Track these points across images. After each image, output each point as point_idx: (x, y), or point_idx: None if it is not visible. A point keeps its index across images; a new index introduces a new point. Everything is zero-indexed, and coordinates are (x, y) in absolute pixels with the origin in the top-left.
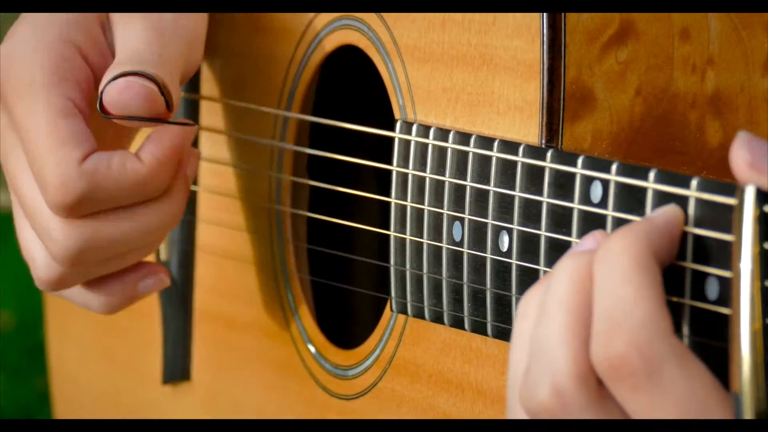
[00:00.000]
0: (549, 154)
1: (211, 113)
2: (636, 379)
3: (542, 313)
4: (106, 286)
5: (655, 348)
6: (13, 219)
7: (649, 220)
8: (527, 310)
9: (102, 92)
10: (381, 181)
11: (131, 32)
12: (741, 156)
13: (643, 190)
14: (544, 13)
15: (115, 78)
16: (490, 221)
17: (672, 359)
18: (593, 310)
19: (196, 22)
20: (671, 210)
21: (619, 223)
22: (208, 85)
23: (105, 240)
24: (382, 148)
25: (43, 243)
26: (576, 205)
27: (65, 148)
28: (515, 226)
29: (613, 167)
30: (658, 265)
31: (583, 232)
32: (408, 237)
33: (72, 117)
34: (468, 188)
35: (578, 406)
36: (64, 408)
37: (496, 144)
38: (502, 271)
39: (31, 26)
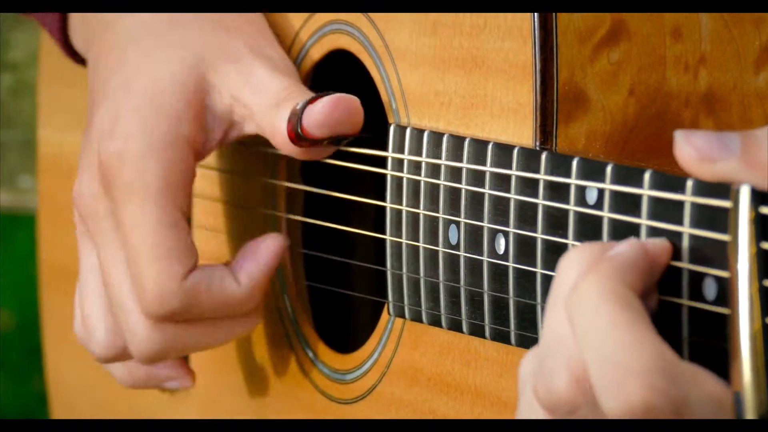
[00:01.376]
0: (543, 157)
1: None
2: (665, 417)
3: (550, 307)
4: (136, 371)
5: (673, 381)
6: (79, 283)
7: (616, 257)
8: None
9: (300, 118)
10: (376, 186)
11: (257, 80)
12: (687, 154)
13: (638, 193)
14: (535, 15)
15: (308, 102)
16: (486, 224)
17: (690, 385)
18: (588, 365)
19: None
20: (632, 242)
21: (614, 225)
22: None
23: (184, 346)
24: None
25: (124, 336)
26: (572, 207)
27: (169, 261)
28: (511, 229)
29: (608, 169)
30: (635, 295)
31: (579, 234)
32: (404, 241)
33: (179, 230)
34: (463, 191)
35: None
36: (61, 414)
37: (490, 147)
38: (499, 273)
39: (140, 121)
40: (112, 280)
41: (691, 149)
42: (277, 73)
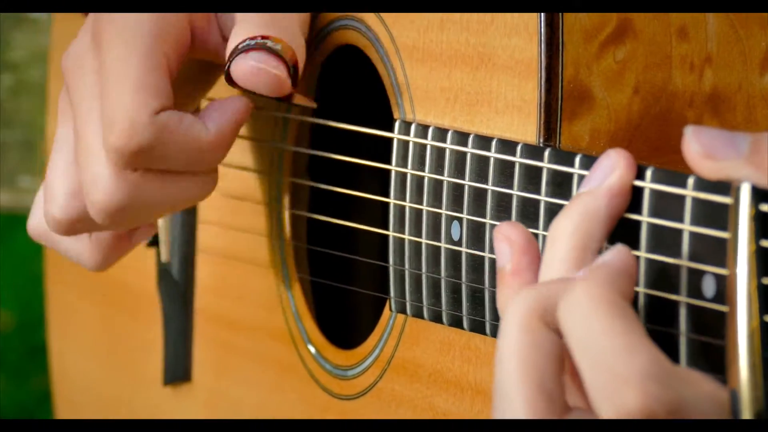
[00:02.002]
0: (547, 153)
1: None
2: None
3: (497, 358)
4: (101, 240)
5: (669, 387)
6: (50, 156)
7: (604, 265)
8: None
9: (230, 63)
10: (381, 181)
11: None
12: (693, 149)
13: (640, 189)
14: (542, 12)
15: (243, 49)
16: (488, 220)
17: (686, 389)
18: (581, 368)
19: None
20: (621, 249)
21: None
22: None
23: (147, 201)
24: (381, 148)
25: (84, 187)
26: None
27: (145, 94)
28: None
29: None
30: (629, 304)
31: None
32: (407, 237)
33: (162, 72)
34: (466, 188)
35: None
36: (65, 408)
37: (494, 144)
38: None
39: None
40: (85, 132)
41: (697, 145)
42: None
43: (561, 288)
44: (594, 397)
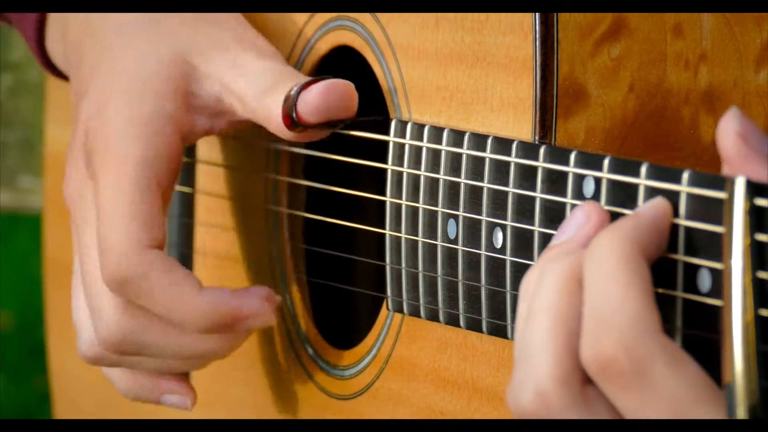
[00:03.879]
0: (542, 151)
1: None
2: (625, 379)
3: (529, 315)
4: (137, 379)
5: (643, 346)
6: (73, 281)
7: (636, 216)
8: (528, 291)
9: (295, 104)
10: (377, 180)
11: (246, 69)
12: (731, 126)
13: (635, 185)
14: (537, 12)
15: (303, 87)
16: (484, 218)
17: (660, 357)
18: (583, 311)
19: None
20: (658, 203)
21: (612, 217)
22: None
23: (148, 340)
24: (377, 148)
25: (92, 319)
26: (569, 200)
27: (134, 227)
28: (509, 223)
29: (606, 162)
30: (646, 261)
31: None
32: (403, 235)
33: (152, 203)
34: (462, 185)
35: (560, 409)
36: (64, 408)
37: (489, 141)
38: (496, 267)
39: (125, 99)
40: (88, 263)
41: (739, 124)
42: (266, 59)
43: (645, 221)
44: (582, 345)
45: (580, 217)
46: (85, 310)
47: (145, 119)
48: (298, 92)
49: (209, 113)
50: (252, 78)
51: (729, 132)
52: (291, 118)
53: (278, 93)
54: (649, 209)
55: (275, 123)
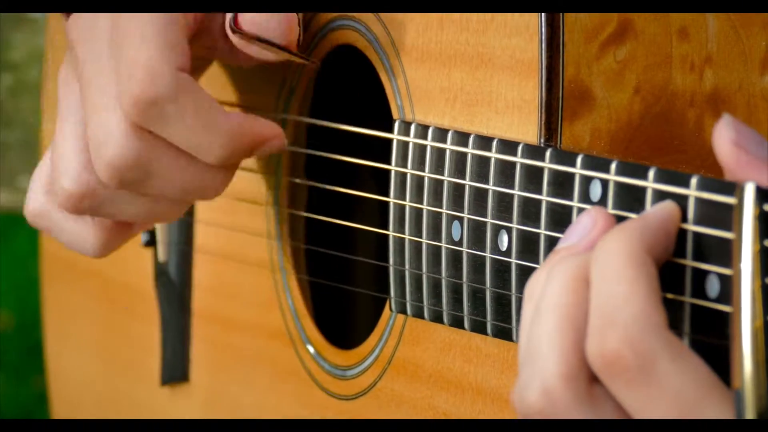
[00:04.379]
0: (548, 154)
1: None
2: (630, 375)
3: (536, 314)
4: (107, 225)
5: (648, 343)
6: (56, 126)
7: (644, 217)
8: (534, 293)
9: (234, 15)
10: (380, 181)
11: None
12: (726, 134)
13: (642, 189)
14: (542, 12)
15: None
16: (489, 220)
17: (665, 354)
18: (589, 309)
19: None
20: (667, 206)
21: (618, 221)
22: (206, 85)
23: (156, 168)
24: (380, 148)
25: (94, 148)
26: (576, 204)
27: (166, 48)
28: (514, 225)
29: (613, 166)
30: (652, 260)
31: None
32: (407, 237)
33: (180, 29)
34: (467, 187)
35: (566, 407)
36: (62, 410)
37: (494, 144)
38: (501, 270)
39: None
40: (96, 89)
41: (733, 131)
42: None
43: (652, 222)
44: (587, 342)
45: (586, 222)
46: (74, 146)
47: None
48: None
49: (215, 28)
50: None
51: (724, 141)
52: (234, 18)
53: None
54: (657, 211)
55: (228, 20)
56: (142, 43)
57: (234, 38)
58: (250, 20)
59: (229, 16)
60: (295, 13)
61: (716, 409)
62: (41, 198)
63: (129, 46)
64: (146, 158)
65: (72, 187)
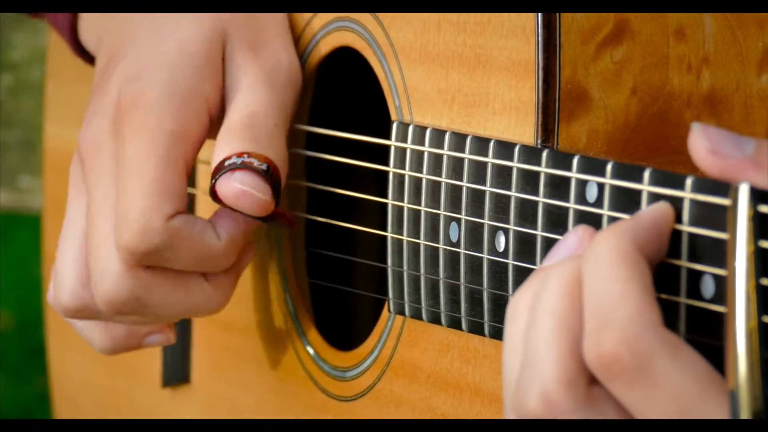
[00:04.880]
0: (545, 155)
1: None
2: (629, 375)
3: (531, 319)
4: (114, 330)
5: (644, 342)
6: (61, 233)
7: (636, 218)
8: (517, 311)
9: (215, 180)
10: (378, 183)
11: (246, 85)
12: (700, 144)
13: (638, 191)
14: (539, 13)
15: (229, 168)
16: (486, 222)
17: (663, 351)
18: (584, 312)
19: (297, 65)
20: (660, 207)
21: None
22: None
23: (153, 300)
24: (379, 149)
25: (93, 277)
26: (572, 205)
27: (161, 198)
28: (511, 227)
29: (609, 167)
30: (644, 259)
31: None
32: (405, 238)
33: (179, 175)
34: (464, 189)
35: (566, 411)
36: (64, 409)
37: (491, 145)
38: (498, 271)
39: (167, 73)
40: (99, 220)
41: (706, 140)
42: (265, 87)
43: (645, 222)
44: (584, 344)
45: (572, 241)
46: (72, 263)
47: (184, 96)
48: (226, 171)
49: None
50: (237, 105)
51: (699, 152)
52: (212, 187)
53: (227, 147)
54: (650, 211)
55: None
56: (136, 191)
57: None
58: (222, 196)
59: (215, 161)
60: (268, 190)
61: (716, 404)
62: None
63: (125, 192)
64: (140, 294)
65: (69, 302)
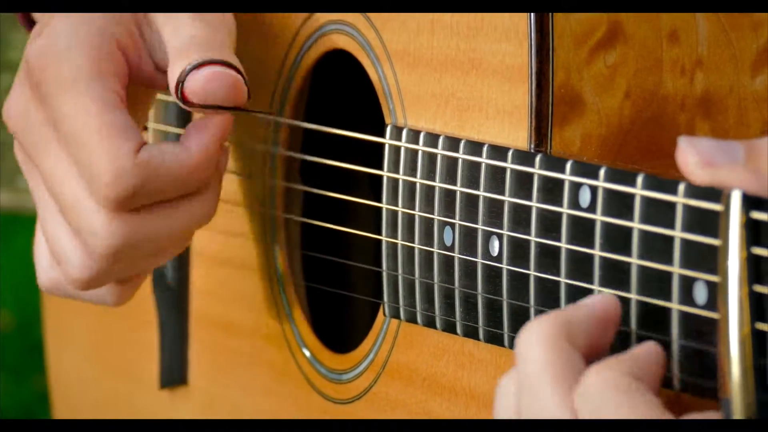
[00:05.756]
0: (538, 159)
1: None
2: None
3: (527, 392)
4: (120, 282)
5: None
6: (38, 219)
7: (625, 355)
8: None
9: (183, 81)
10: (374, 186)
11: (180, 22)
12: (690, 158)
13: (631, 196)
14: (532, 17)
15: (195, 66)
16: (480, 226)
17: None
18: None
19: (231, 16)
20: (649, 345)
21: (607, 228)
22: None
23: (148, 235)
24: (374, 153)
25: (82, 240)
26: (565, 210)
27: (118, 140)
28: (505, 231)
29: (602, 172)
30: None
31: (572, 237)
32: (399, 242)
33: (119, 110)
34: (458, 193)
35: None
36: (62, 409)
37: (485, 149)
38: (492, 275)
39: (66, 23)
40: (61, 186)
41: (695, 154)
42: (200, 21)
43: (582, 313)
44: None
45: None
46: (67, 238)
47: (91, 38)
48: (190, 70)
49: (154, 60)
50: (175, 33)
51: (689, 165)
52: (178, 93)
53: (182, 59)
54: (590, 303)
55: (172, 88)
56: (92, 144)
57: (186, 107)
58: (192, 92)
59: (173, 80)
60: (239, 74)
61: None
62: (51, 273)
63: (81, 150)
64: (134, 235)
65: (81, 275)
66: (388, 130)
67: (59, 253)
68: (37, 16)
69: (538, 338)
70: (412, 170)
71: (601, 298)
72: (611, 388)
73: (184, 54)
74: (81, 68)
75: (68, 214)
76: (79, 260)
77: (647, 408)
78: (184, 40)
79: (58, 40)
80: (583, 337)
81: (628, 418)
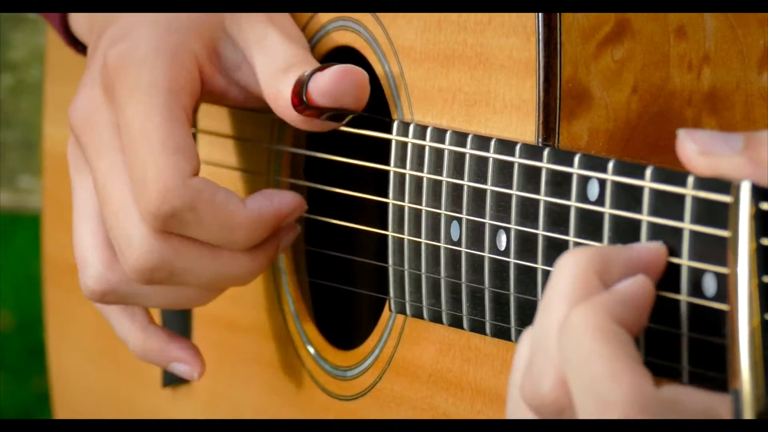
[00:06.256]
0: (546, 153)
1: (208, 115)
2: None
3: (543, 308)
4: (148, 340)
5: (651, 412)
6: (74, 218)
7: (612, 291)
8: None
9: (306, 83)
10: (379, 182)
11: (270, 41)
12: (688, 148)
13: (639, 188)
14: (539, 12)
15: (312, 72)
16: (487, 221)
17: (671, 411)
18: (573, 397)
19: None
20: (638, 281)
21: (616, 221)
22: None
23: (180, 266)
24: (379, 149)
25: (118, 248)
26: (573, 203)
27: (176, 157)
28: (513, 225)
29: (610, 165)
30: (622, 329)
31: (580, 231)
32: (406, 237)
33: (184, 128)
34: (465, 188)
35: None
36: (64, 409)
37: (492, 143)
38: (500, 270)
39: (152, 28)
40: (111, 189)
41: (693, 143)
42: (291, 41)
43: (624, 255)
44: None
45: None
46: (94, 244)
47: (172, 50)
48: (312, 73)
49: (228, 77)
50: (272, 55)
51: (690, 156)
52: (300, 99)
53: (291, 75)
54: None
55: (282, 104)
56: (149, 153)
57: (296, 118)
58: (322, 91)
59: (285, 94)
60: (360, 69)
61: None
62: (108, 274)
63: (137, 156)
64: (171, 259)
65: (95, 286)
66: (395, 125)
67: (83, 258)
68: (112, 19)
69: (570, 266)
70: (419, 165)
71: (649, 245)
72: (591, 332)
73: (294, 68)
74: (158, 78)
75: (110, 220)
76: (97, 269)
77: (625, 364)
78: (286, 58)
79: (140, 46)
80: (616, 278)
81: (602, 369)
